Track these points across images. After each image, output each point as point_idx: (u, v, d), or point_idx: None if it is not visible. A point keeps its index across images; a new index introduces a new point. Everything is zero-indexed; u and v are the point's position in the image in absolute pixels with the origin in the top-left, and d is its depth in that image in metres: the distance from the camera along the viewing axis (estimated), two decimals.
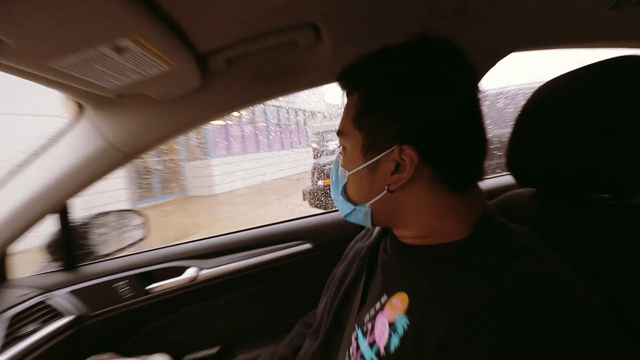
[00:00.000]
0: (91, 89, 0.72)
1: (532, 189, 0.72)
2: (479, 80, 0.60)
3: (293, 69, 0.92)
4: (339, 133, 0.63)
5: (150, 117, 0.91)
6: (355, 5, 0.72)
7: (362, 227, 0.91)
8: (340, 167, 0.64)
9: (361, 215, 0.62)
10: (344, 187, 0.63)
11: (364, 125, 0.58)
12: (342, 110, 0.64)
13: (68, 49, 0.55)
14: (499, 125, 4.06)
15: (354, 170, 0.60)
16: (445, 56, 0.56)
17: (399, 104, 0.55)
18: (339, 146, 0.65)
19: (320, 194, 5.43)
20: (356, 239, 0.85)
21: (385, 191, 0.58)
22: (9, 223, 0.93)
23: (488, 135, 0.58)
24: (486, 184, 0.56)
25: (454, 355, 0.43)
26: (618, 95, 0.56)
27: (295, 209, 6.79)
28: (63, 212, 1.12)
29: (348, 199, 0.63)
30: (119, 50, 0.58)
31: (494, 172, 1.59)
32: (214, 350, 1.24)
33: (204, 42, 0.73)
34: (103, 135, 0.91)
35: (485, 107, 0.59)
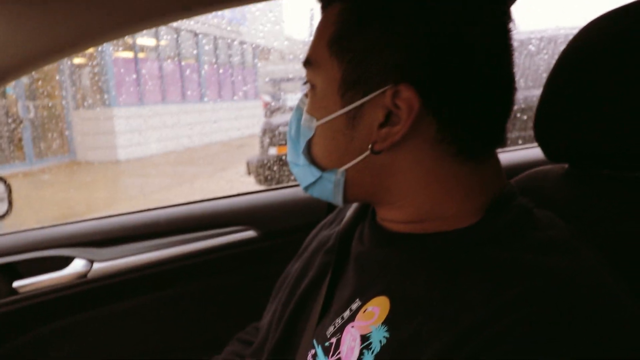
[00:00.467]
0: None
1: (564, 164, 0.76)
2: (511, 3, 0.60)
3: None
4: (307, 63, 0.61)
5: (22, 17, 0.84)
6: None
7: (330, 210, 0.90)
8: (304, 114, 0.62)
9: (330, 187, 0.61)
10: (308, 143, 0.61)
11: (345, 52, 0.56)
12: (315, 31, 0.62)
13: None
14: (526, 81, 4.19)
15: (326, 119, 0.59)
16: None
17: (401, 20, 0.54)
18: (305, 83, 0.64)
19: (272, 166, 5.42)
20: (321, 226, 0.85)
21: (368, 151, 0.57)
22: None
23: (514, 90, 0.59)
24: (506, 157, 0.58)
25: None
26: None
27: (237, 186, 6.75)
28: None
29: (313, 161, 0.62)
30: None
31: (517, 144, 1.64)
32: None
33: None
34: None
35: (514, 50, 0.59)
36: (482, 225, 0.56)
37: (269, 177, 5.53)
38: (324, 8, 0.61)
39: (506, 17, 0.57)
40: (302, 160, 0.62)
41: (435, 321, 0.48)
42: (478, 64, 0.55)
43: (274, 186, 1.45)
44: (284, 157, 5.15)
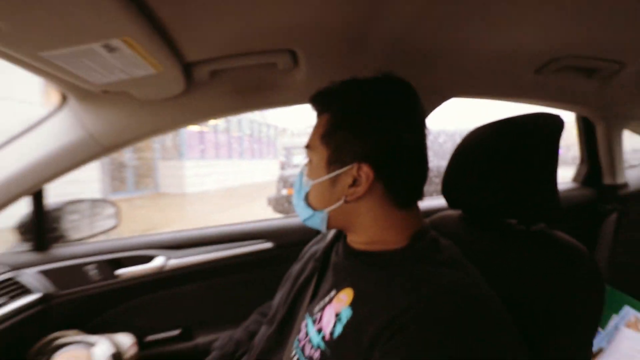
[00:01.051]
0: (78, 82, 0.69)
1: (459, 211, 0.78)
2: (426, 118, 0.64)
3: (270, 87, 0.92)
4: (308, 147, 0.63)
5: (132, 116, 0.88)
6: (329, 39, 0.74)
7: (318, 232, 0.91)
8: (304, 177, 0.64)
9: (318, 221, 0.63)
10: (307, 194, 0.63)
11: (330, 143, 0.59)
12: (313, 127, 0.65)
13: (61, 41, 0.53)
14: (438, 157, 4.27)
15: (317, 180, 0.61)
16: (405, 94, 0.60)
17: (363, 128, 0.57)
18: (306, 158, 0.66)
19: (283, 201, 5.40)
20: (312, 242, 0.85)
21: (342, 201, 0.59)
22: None
23: (429, 164, 0.62)
24: (424, 204, 0.61)
25: (382, 347, 0.45)
26: (532, 143, 0.63)
27: (260, 212, 6.69)
28: (38, 196, 1.05)
29: (309, 204, 0.63)
30: (109, 48, 0.56)
31: (432, 196, 1.66)
32: (175, 332, 1.20)
33: (191, 52, 0.72)
34: (84, 126, 0.87)
35: (429, 142, 0.62)
36: (408, 248, 0.57)
37: (281, 208, 5.49)
38: (319, 115, 0.64)
39: (424, 126, 0.61)
40: (302, 203, 0.64)
41: (378, 308, 0.49)
42: (408, 153, 0.58)
43: (285, 216, 1.44)
44: (291, 198, 5.14)
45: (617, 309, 1.10)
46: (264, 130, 14.96)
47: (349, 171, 0.57)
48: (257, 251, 1.26)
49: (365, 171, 0.56)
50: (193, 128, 10.71)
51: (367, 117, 0.57)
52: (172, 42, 0.65)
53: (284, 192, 5.54)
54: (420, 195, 0.61)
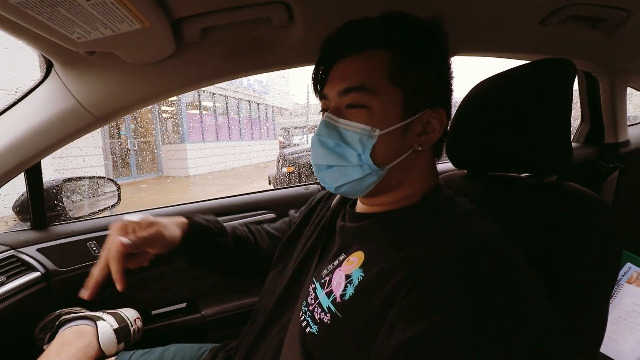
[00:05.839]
0: (59, 40, 0.62)
1: (464, 170, 0.75)
2: None
3: (266, 47, 0.85)
4: (360, 89, 0.52)
5: (121, 81, 0.81)
6: None
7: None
8: (362, 127, 0.52)
9: (371, 181, 0.54)
10: (373, 148, 0.52)
11: (404, 83, 0.52)
12: (350, 68, 0.53)
13: None
14: None
15: (388, 130, 0.52)
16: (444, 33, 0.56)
17: (436, 67, 0.54)
18: (347, 105, 0.53)
19: (284, 179, 5.37)
20: (317, 199, 0.81)
21: (410, 151, 0.54)
22: None
23: None
24: None
25: (398, 303, 0.42)
26: (539, 91, 0.59)
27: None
28: (33, 172, 1.00)
29: (371, 161, 0.53)
30: None
31: None
32: (180, 305, 1.18)
33: (179, 6, 0.65)
34: (72, 94, 0.80)
35: None
36: (420, 204, 0.55)
37: (282, 185, 5.48)
38: (357, 50, 0.53)
39: None
40: (355, 160, 0.53)
41: (391, 266, 0.46)
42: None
43: (285, 186, 1.41)
44: (291, 175, 5.11)
45: None
46: (262, 111, 14.76)
47: (422, 117, 0.54)
48: (260, 221, 1.23)
49: (439, 116, 0.54)
50: (192, 111, 10.59)
51: (439, 53, 0.54)
52: None
53: (284, 170, 5.51)
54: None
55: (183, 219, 0.71)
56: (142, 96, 0.86)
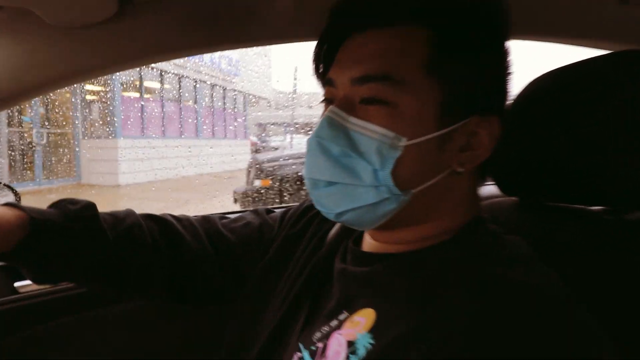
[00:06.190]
0: None
1: (514, 198, 0.76)
2: None
3: (246, 13, 0.87)
4: (383, 78, 0.51)
5: (39, 49, 0.82)
6: None
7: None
8: (383, 132, 0.51)
9: (388, 208, 0.53)
10: (396, 162, 0.51)
11: (446, 77, 0.52)
12: (372, 49, 0.53)
13: None
14: None
15: (420, 140, 0.51)
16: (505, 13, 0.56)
17: (490, 58, 0.54)
18: (363, 100, 0.53)
19: (256, 196, 5.37)
20: (305, 208, 0.80)
21: (447, 171, 0.54)
22: None
23: None
24: None
25: None
26: (620, 92, 0.60)
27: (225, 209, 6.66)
28: None
29: (391, 180, 0.51)
30: None
31: None
32: None
33: None
34: None
35: None
36: (459, 242, 0.55)
37: (253, 205, 5.46)
38: (385, 23, 0.53)
39: None
40: (369, 178, 0.52)
41: (414, 329, 0.46)
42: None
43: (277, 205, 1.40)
44: (266, 191, 5.10)
45: None
46: (229, 99, 14.83)
47: (467, 125, 0.53)
48: None
49: (491, 126, 0.54)
50: (130, 94, 10.58)
51: (497, 38, 0.55)
52: None
53: (257, 183, 5.51)
54: None
55: (17, 212, 0.63)
56: (65, 72, 0.87)
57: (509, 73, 0.57)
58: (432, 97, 0.52)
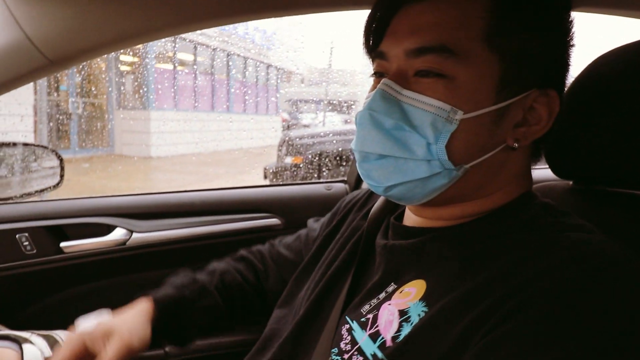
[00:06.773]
0: None
1: (568, 181, 0.75)
2: None
3: None
4: (440, 50, 0.51)
5: (88, 11, 0.83)
6: None
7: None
8: (439, 105, 0.51)
9: (439, 184, 0.53)
10: (452, 136, 0.51)
11: (506, 49, 0.52)
12: (431, 17, 0.53)
13: None
14: None
15: (476, 113, 0.51)
16: None
17: (552, 29, 0.54)
18: (418, 72, 0.53)
19: (287, 174, 5.40)
20: (352, 204, 0.83)
21: (502, 146, 0.54)
22: None
23: None
24: None
25: (478, 341, 0.43)
26: None
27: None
28: None
29: (445, 154, 0.52)
30: None
31: None
32: None
33: None
34: (19, 25, 0.82)
35: None
36: (510, 215, 0.56)
37: (283, 181, 5.49)
38: None
39: None
40: (422, 152, 0.52)
41: (468, 294, 0.47)
42: None
43: (298, 181, 1.42)
44: (297, 168, 5.11)
45: None
46: (261, 73, 14.85)
47: (525, 99, 0.54)
48: (258, 228, 1.25)
49: (550, 101, 0.54)
50: (163, 66, 10.71)
51: (561, 7, 0.55)
52: None
53: (288, 160, 5.53)
54: None
55: (145, 306, 0.76)
56: (112, 37, 0.88)
57: (572, 45, 0.56)
58: (490, 70, 0.52)
